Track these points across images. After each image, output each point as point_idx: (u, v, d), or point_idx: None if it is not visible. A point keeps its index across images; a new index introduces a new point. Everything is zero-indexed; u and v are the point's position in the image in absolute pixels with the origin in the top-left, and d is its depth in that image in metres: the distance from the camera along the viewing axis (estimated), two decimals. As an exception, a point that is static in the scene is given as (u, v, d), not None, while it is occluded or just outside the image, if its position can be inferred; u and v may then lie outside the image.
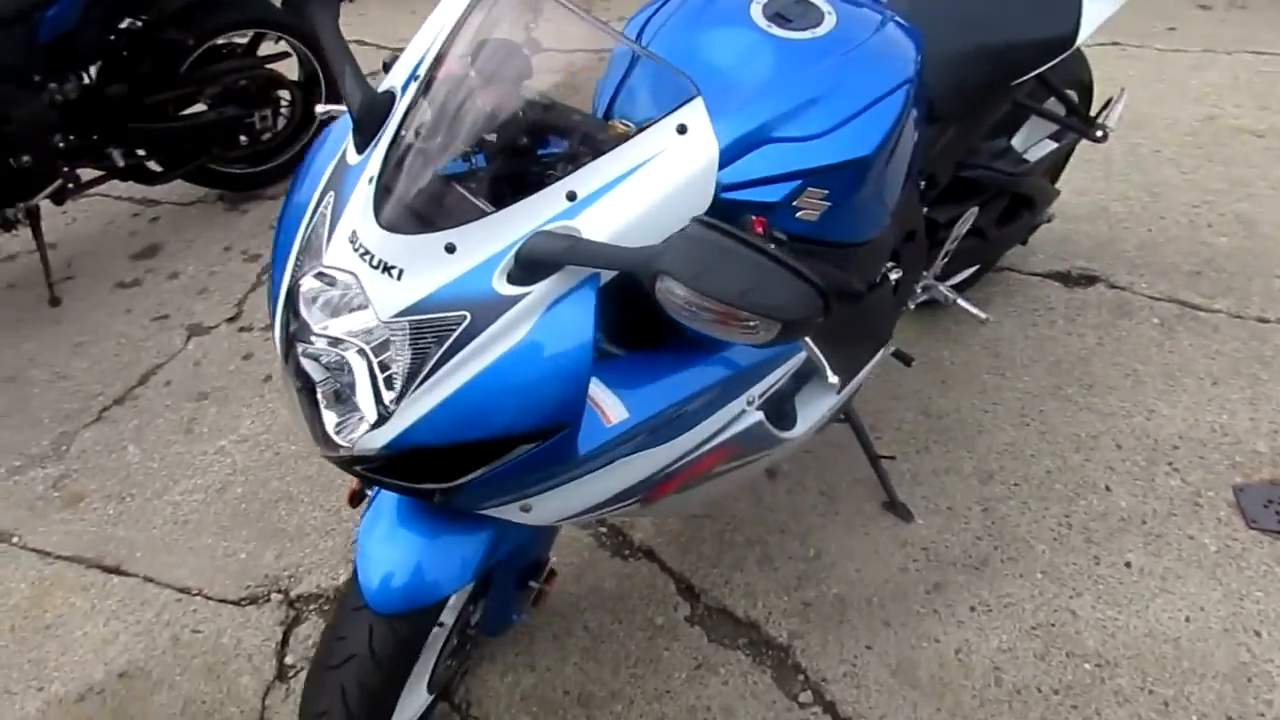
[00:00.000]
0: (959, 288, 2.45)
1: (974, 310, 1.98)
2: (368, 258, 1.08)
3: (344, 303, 1.12)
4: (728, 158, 1.27)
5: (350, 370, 1.10)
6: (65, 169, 2.85)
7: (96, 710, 1.81)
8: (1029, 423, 2.21)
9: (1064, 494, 2.05)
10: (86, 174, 2.97)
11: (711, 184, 1.08)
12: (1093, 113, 2.12)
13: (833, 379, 1.24)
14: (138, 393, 2.57)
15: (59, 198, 2.92)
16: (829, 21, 1.39)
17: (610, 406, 1.15)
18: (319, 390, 1.14)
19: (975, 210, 1.94)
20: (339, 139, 1.24)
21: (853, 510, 2.06)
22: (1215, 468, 2.06)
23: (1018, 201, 2.20)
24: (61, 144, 2.80)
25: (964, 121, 1.75)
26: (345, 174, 1.16)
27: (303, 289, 1.14)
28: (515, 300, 1.04)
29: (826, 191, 1.32)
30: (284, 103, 3.25)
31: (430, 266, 1.06)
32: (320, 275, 1.12)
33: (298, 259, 1.17)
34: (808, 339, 1.19)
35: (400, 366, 1.07)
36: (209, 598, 2.00)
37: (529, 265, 1.03)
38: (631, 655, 1.84)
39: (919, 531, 2.00)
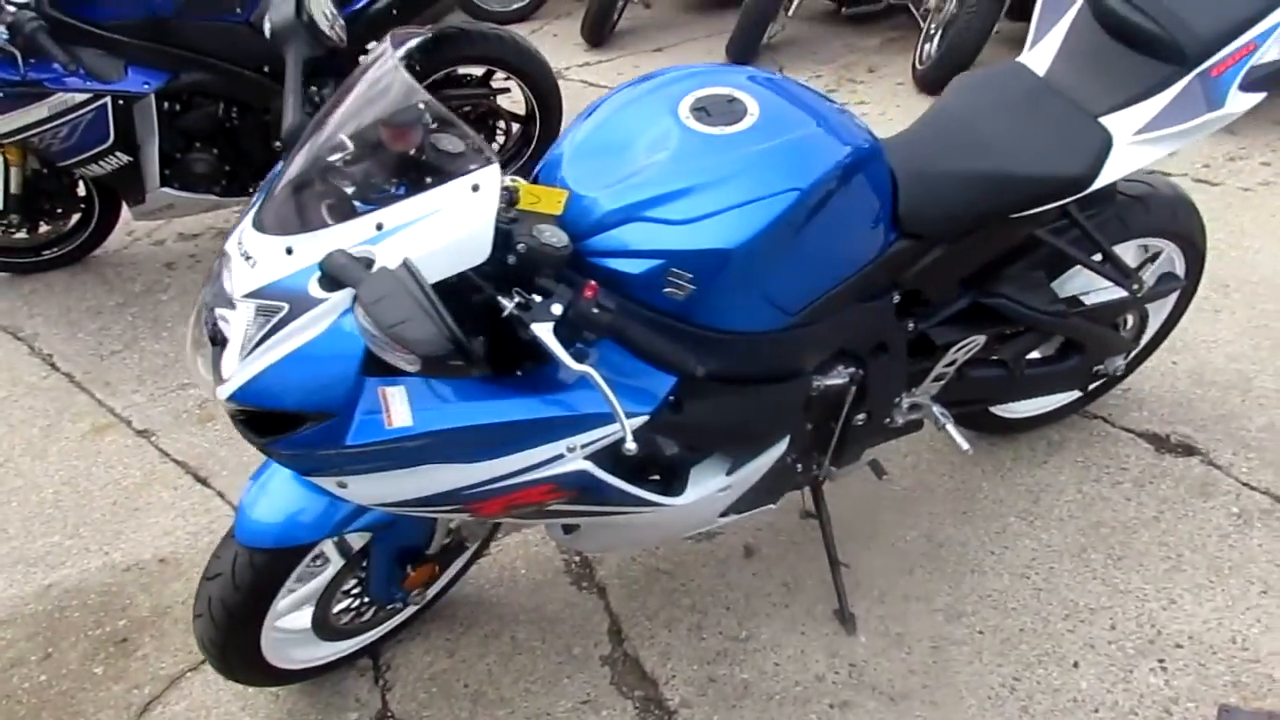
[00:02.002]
0: (1037, 420, 2.35)
1: (959, 439, 1.91)
2: (240, 246, 1.35)
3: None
4: (602, 225, 1.42)
5: (229, 331, 1.37)
6: (307, 157, 3.43)
7: (132, 580, 2.22)
8: (1029, 576, 2.06)
9: (1025, 657, 1.91)
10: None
11: (488, 239, 1.24)
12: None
13: (630, 445, 1.31)
14: (294, 348, 3.05)
15: (303, 180, 3.53)
16: (745, 122, 1.47)
17: (397, 411, 1.32)
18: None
19: (979, 340, 1.88)
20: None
21: (803, 608, 2.04)
22: (1212, 680, 1.82)
23: (1070, 344, 2.08)
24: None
25: (955, 244, 1.72)
26: (270, 180, 1.44)
27: (222, 263, 1.42)
28: (319, 302, 1.26)
29: (691, 275, 1.41)
30: (500, 132, 3.68)
31: (273, 262, 1.30)
32: (226, 255, 1.40)
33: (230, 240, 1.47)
34: (617, 406, 1.27)
35: (248, 336, 1.32)
36: (252, 521, 2.37)
37: (328, 277, 1.24)
38: (536, 673, 1.97)
39: (855, 647, 1.95)
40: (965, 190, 1.67)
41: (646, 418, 1.46)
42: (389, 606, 1.87)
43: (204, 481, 2.51)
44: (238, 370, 1.31)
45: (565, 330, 1.28)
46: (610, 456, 1.47)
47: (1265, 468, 2.25)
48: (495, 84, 3.62)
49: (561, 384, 1.41)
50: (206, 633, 1.64)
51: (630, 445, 1.32)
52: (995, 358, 2.00)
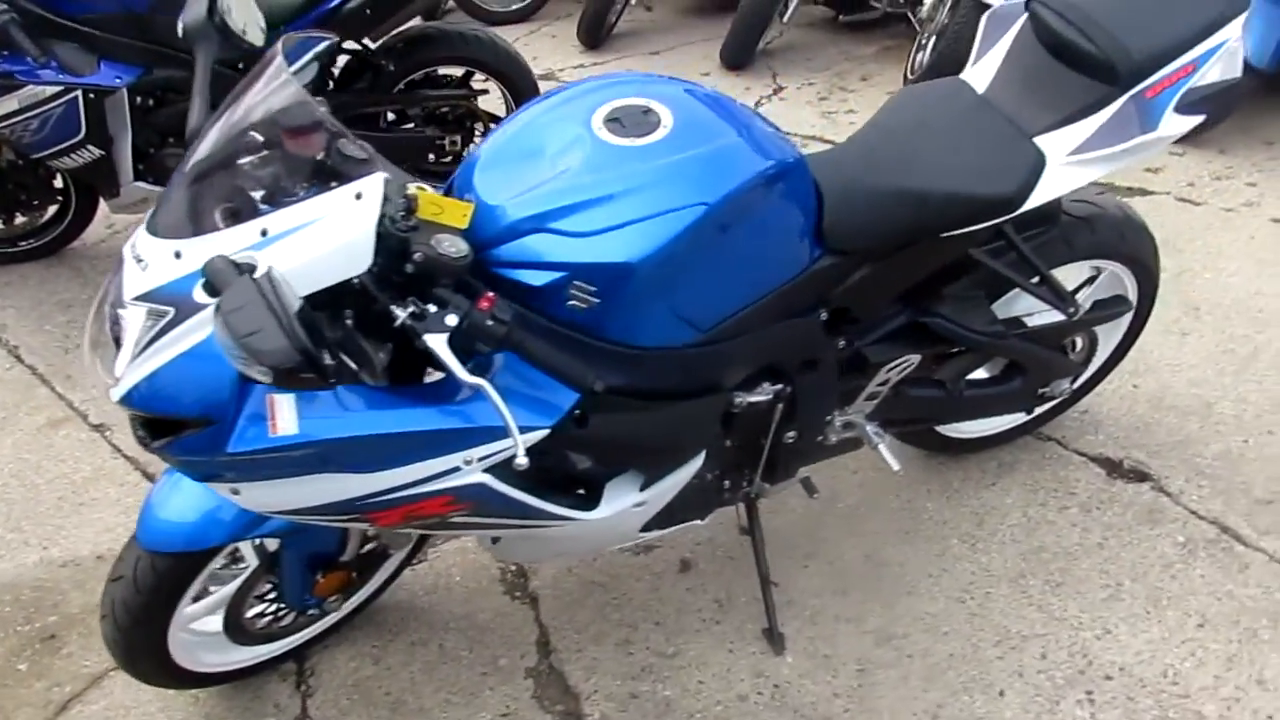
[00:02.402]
0: (990, 441, 2.32)
1: (890, 459, 1.88)
2: (133, 248, 1.34)
3: None
4: (507, 235, 1.40)
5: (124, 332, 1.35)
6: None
7: (67, 576, 2.22)
8: (965, 600, 2.03)
9: (952, 683, 1.87)
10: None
11: (369, 248, 1.22)
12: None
13: (522, 459, 1.29)
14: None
15: (279, 177, 3.53)
16: (658, 134, 1.45)
17: (283, 419, 1.30)
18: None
19: (913, 359, 1.84)
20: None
21: (733, 625, 2.02)
22: (1139, 714, 1.79)
23: (1013, 366, 2.05)
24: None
25: (884, 262, 1.69)
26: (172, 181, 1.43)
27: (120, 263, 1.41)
28: (202, 308, 1.24)
29: (594, 289, 1.39)
30: (477, 133, 3.66)
31: (163, 265, 1.29)
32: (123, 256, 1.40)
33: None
34: (510, 419, 1.26)
35: (137, 340, 1.31)
36: (194, 519, 2.36)
37: (209, 282, 1.22)
38: (459, 683, 1.95)
39: (780, 668, 1.93)
40: (891, 207, 1.64)
41: (546, 431, 1.43)
42: (309, 612, 1.86)
43: (151, 478, 2.51)
44: (126, 374, 1.30)
45: (465, 341, 1.26)
46: (515, 469, 1.45)
47: (1215, 496, 2.21)
48: (475, 85, 3.61)
49: (460, 395, 1.39)
50: (111, 635, 1.64)
51: (521, 460, 1.30)
52: (935, 377, 1.97)
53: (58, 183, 3.44)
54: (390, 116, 3.56)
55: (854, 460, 2.28)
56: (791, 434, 1.83)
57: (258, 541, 1.73)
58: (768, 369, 1.71)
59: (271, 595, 1.79)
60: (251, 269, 1.21)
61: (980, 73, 1.84)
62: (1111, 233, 1.97)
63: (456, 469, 1.41)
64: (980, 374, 2.13)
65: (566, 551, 1.99)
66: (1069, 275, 2.02)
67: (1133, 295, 2.12)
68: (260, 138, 1.33)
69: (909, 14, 4.85)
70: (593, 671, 1.95)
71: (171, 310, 1.26)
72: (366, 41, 3.30)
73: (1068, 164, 1.68)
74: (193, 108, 1.45)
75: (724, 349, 1.56)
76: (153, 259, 1.30)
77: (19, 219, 3.48)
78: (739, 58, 4.87)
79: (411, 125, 3.57)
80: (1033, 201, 1.67)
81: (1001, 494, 2.27)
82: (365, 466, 1.37)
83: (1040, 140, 1.69)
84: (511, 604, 2.11)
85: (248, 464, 1.31)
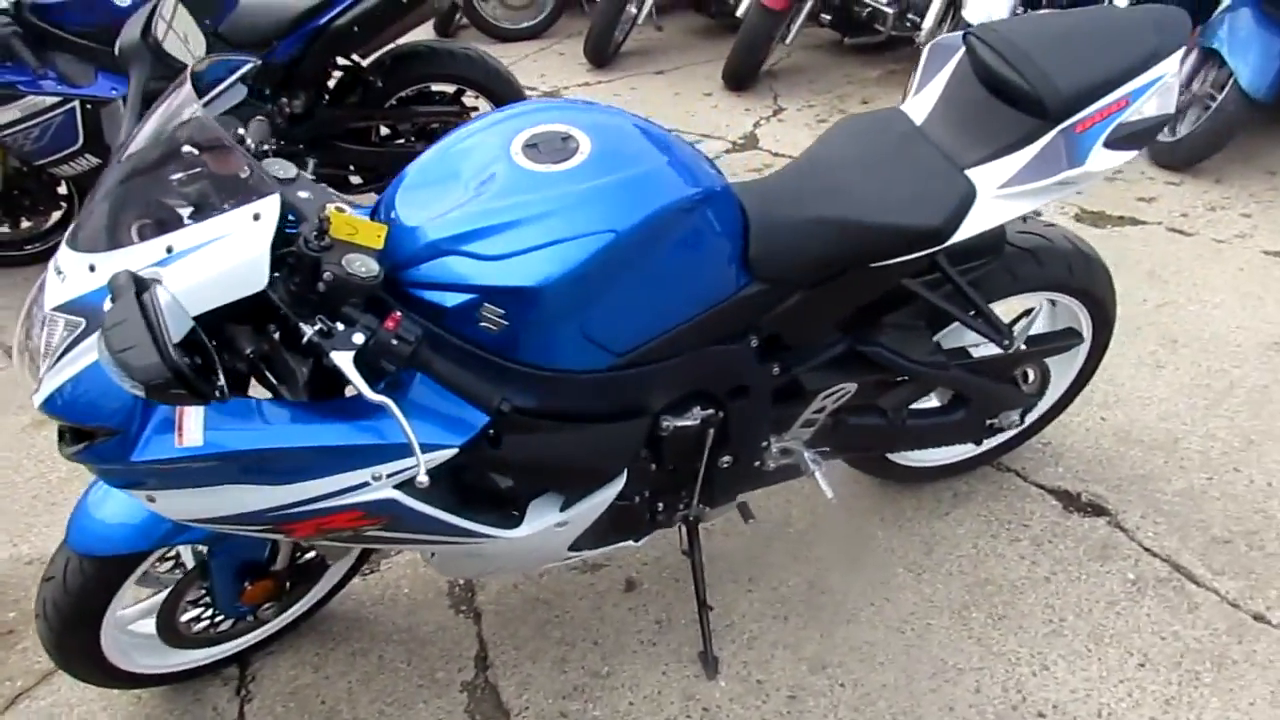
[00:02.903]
0: (952, 469, 2.31)
1: (825, 486, 1.88)
2: (55, 260, 1.38)
3: None
4: (422, 256, 1.43)
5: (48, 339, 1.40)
6: (278, 167, 3.50)
7: (32, 573, 2.27)
8: (905, 631, 2.02)
9: (881, 714, 1.86)
10: (305, 175, 3.63)
11: (265, 266, 1.25)
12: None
13: (422, 478, 1.32)
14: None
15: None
16: (574, 160, 1.47)
17: (189, 430, 1.33)
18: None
19: (849, 387, 1.84)
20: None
21: (670, 647, 2.02)
22: (1066, 752, 1.77)
23: (959, 397, 2.04)
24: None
25: (814, 291, 1.70)
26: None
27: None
28: (109, 320, 1.28)
29: (502, 311, 1.41)
30: (468, 149, 3.71)
31: (78, 277, 1.33)
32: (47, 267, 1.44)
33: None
34: (413, 437, 1.28)
35: (53, 349, 1.35)
36: (159, 523, 2.41)
37: (112, 296, 1.26)
38: (395, 694, 1.97)
39: (712, 691, 1.93)
40: (817, 236, 1.64)
41: (455, 451, 1.45)
42: (246, 619, 1.89)
43: (123, 481, 2.56)
44: (44, 381, 1.34)
45: (373, 359, 1.29)
46: (433, 486, 1.47)
47: (1171, 534, 2.18)
48: (467, 102, 3.66)
49: (370, 412, 1.41)
50: (45, 634, 1.68)
51: (422, 479, 1.33)
52: (876, 406, 1.96)
53: (61, 189, 3.54)
54: (383, 131, 3.63)
55: (805, 485, 2.27)
56: (727, 459, 1.83)
57: (198, 547, 1.77)
58: (698, 393, 1.72)
59: (206, 600, 1.83)
60: (154, 284, 1.25)
61: (919, 104, 1.84)
62: (1059, 265, 1.96)
63: (365, 484, 1.43)
64: (931, 403, 2.12)
65: (502, 568, 2.01)
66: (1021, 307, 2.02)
67: (1086, 328, 2.10)
68: (182, 155, 1.36)
69: (914, 38, 4.85)
70: (526, 688, 1.96)
71: (83, 321, 1.30)
72: (357, 58, 3.36)
73: (998, 197, 1.68)
74: (124, 125, 1.49)
75: (643, 373, 1.57)
76: (70, 271, 1.34)
77: (24, 223, 3.58)
78: (741, 78, 4.89)
79: (403, 141, 3.63)
80: (962, 234, 1.67)
81: (954, 524, 2.26)
82: (272, 479, 1.39)
83: (972, 173, 1.69)
84: (455, 618, 2.13)
85: (158, 473, 1.34)
